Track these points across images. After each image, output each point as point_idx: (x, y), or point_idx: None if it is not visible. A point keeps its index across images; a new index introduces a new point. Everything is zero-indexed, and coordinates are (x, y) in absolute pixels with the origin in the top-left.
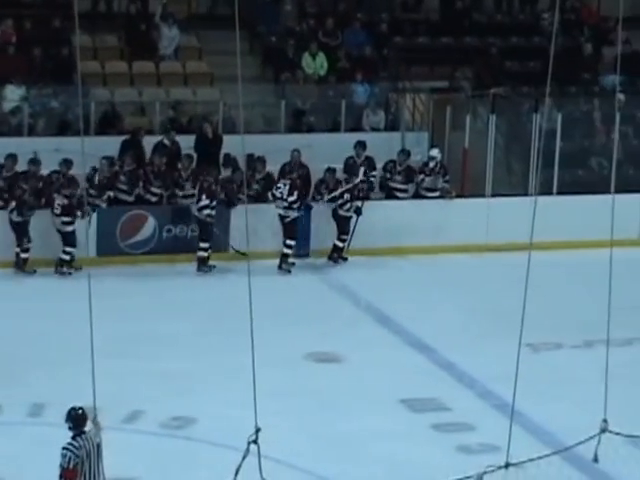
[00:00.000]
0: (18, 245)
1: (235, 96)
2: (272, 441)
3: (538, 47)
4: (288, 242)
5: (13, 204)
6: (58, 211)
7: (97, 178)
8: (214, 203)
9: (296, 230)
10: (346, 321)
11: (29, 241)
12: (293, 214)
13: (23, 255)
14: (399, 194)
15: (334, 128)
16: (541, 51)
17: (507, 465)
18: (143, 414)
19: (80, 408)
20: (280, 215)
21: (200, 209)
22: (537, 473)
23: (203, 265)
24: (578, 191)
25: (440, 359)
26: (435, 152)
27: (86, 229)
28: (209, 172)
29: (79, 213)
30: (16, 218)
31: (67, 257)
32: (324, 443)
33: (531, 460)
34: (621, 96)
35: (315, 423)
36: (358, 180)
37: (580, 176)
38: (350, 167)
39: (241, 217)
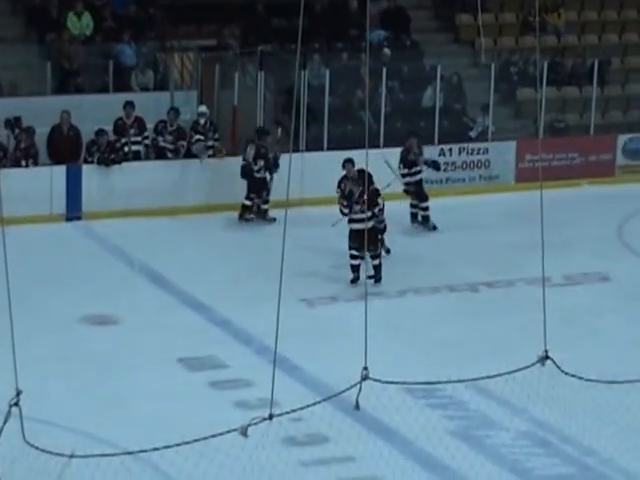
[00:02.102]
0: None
1: None
2: (49, 405)
3: (304, 4)
4: None
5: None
6: None
7: None
8: None
9: None
10: (120, 282)
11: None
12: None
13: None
14: (170, 154)
15: (102, 89)
16: (307, 8)
17: (271, 416)
18: None
19: None
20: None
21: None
22: (301, 423)
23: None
24: (348, 146)
25: (216, 317)
26: (203, 108)
27: None
28: None
29: None
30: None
31: None
32: (103, 405)
33: (294, 411)
34: (386, 51)
35: (92, 386)
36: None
37: (349, 131)
38: (120, 128)
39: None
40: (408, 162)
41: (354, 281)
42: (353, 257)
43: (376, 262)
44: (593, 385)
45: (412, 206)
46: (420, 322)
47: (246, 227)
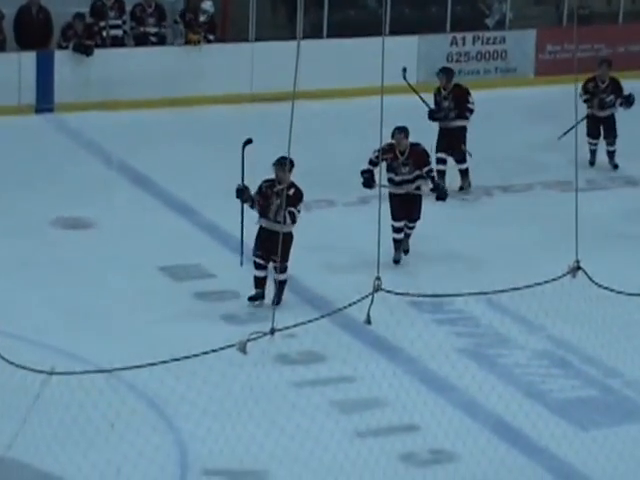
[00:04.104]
0: None
1: None
2: (20, 317)
3: None
4: None
5: None
6: None
7: None
8: None
9: None
10: (97, 182)
11: None
12: None
13: None
14: (153, 38)
15: None
16: None
17: (272, 331)
18: None
19: None
20: None
21: None
22: (306, 338)
23: None
24: (350, 33)
25: (203, 222)
26: (208, 5)
27: None
28: None
29: None
30: None
31: None
32: (77, 318)
33: (298, 325)
34: None
35: (67, 296)
36: None
37: (352, 17)
38: (98, 10)
39: None
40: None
41: (256, 298)
42: (259, 267)
43: (283, 277)
44: (620, 300)
45: None
46: (428, 229)
47: (239, 123)
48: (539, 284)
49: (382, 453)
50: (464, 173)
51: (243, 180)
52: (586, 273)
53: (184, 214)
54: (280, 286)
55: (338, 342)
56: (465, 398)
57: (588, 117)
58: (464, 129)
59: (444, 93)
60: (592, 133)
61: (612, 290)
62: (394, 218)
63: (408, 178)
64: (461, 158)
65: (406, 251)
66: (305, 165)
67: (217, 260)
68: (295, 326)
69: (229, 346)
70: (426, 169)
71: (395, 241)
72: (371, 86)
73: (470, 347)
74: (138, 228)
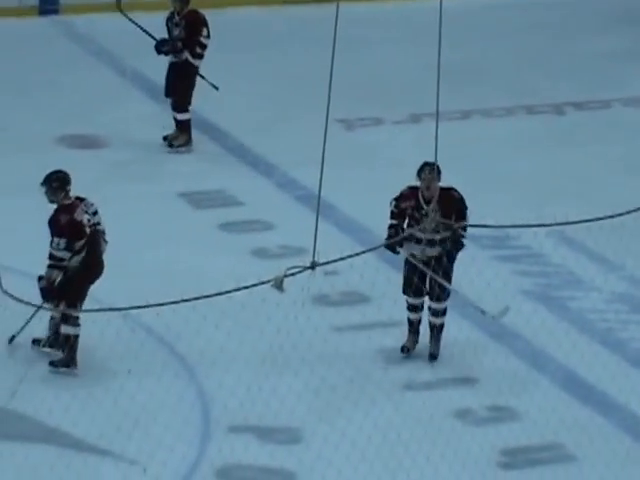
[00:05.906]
0: None
1: None
2: (21, 250)
3: None
4: None
5: None
6: None
7: None
8: None
9: None
10: (109, 95)
11: None
12: None
13: None
14: None
15: None
16: None
17: (313, 265)
18: None
19: None
20: None
21: None
22: (350, 275)
23: None
24: None
25: (231, 143)
26: None
27: None
28: None
29: None
30: None
31: None
32: None
33: (343, 259)
34: None
35: None
36: None
37: None
38: None
39: None
40: None
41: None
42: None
43: (67, 330)
44: None
45: None
46: (489, 152)
47: (269, 30)
48: (620, 215)
49: (437, 408)
50: (179, 125)
51: None
52: None
53: (208, 133)
54: (66, 342)
55: (387, 280)
56: (532, 347)
57: None
58: (193, 67)
59: (176, 19)
60: None
61: None
62: (405, 292)
63: (434, 238)
64: (178, 105)
65: (433, 356)
66: (348, 78)
67: (245, 186)
68: (338, 260)
69: (263, 282)
70: (459, 225)
71: (410, 322)
72: None
73: (538, 288)
74: (154, 149)
